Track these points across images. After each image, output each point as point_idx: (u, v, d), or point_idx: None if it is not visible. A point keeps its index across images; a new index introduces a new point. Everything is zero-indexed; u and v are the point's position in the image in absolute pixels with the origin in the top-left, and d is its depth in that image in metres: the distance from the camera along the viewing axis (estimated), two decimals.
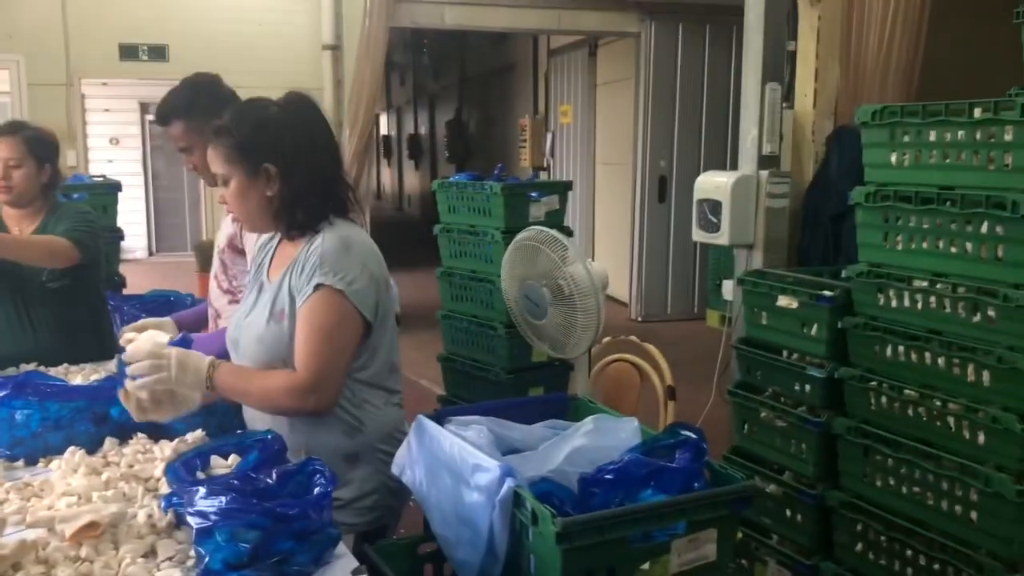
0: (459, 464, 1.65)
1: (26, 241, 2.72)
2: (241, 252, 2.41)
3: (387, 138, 21.29)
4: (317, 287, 1.84)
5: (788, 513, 2.93)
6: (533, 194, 4.13)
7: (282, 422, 1.89)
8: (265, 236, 2.08)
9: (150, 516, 1.58)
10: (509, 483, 1.54)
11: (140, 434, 2.00)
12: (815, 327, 2.81)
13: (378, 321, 1.93)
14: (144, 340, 1.84)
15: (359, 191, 6.83)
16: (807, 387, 2.84)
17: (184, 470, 1.66)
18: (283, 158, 1.88)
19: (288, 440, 1.79)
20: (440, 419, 1.85)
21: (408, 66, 17.90)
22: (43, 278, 2.78)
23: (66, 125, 7.59)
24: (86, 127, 9.05)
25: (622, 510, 1.51)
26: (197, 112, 2.35)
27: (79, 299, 2.85)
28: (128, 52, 7.96)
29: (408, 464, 1.82)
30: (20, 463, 1.94)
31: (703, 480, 1.62)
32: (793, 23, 4.66)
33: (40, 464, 1.93)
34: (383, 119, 20.74)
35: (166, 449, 1.90)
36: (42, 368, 2.45)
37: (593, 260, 3.41)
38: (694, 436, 1.66)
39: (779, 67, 4.17)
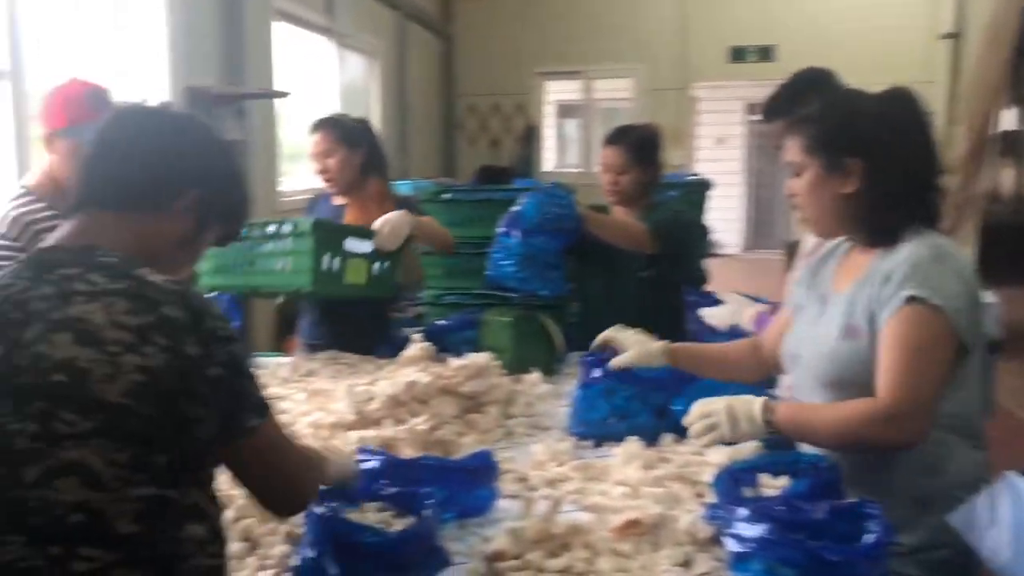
0: None
1: (606, 220, 2.92)
2: None
3: (1010, 134, 18.90)
4: (909, 300, 1.61)
5: None
6: None
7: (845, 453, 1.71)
8: (831, 243, 1.91)
9: (692, 524, 1.53)
10: None
11: None
12: None
13: (972, 347, 1.64)
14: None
15: (971, 193, 6.11)
16: None
17: (732, 483, 1.59)
18: (870, 154, 1.69)
19: (848, 473, 1.61)
20: None
21: None
22: (634, 267, 2.96)
23: (675, 126, 8.11)
24: (695, 128, 9.60)
25: None
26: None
27: (661, 289, 2.97)
28: (737, 54, 8.22)
29: (982, 523, 1.51)
30: (589, 443, 2.06)
31: None
32: None
33: (604, 447, 2.03)
34: (1008, 114, 18.44)
35: (721, 455, 1.85)
36: None
37: None
38: None
39: None
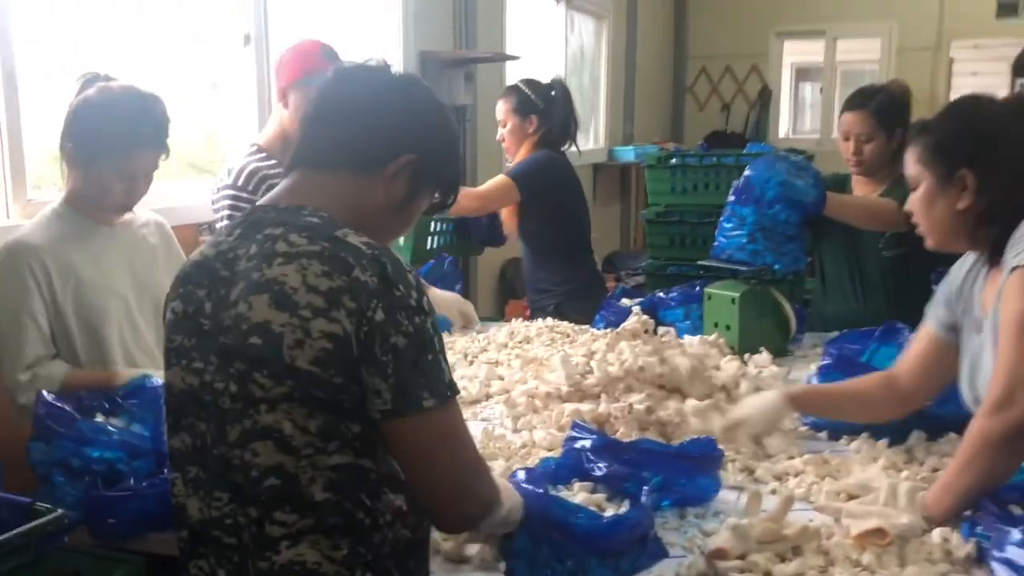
0: None
1: (850, 201, 2.66)
2: None
3: None
4: (1014, 269, 1.44)
5: None
6: None
7: None
8: (969, 259, 1.66)
9: (946, 540, 1.34)
10: None
11: (952, 434, 1.74)
12: None
13: None
14: None
15: None
16: None
17: (996, 499, 1.37)
18: (985, 166, 1.50)
19: None
20: None
21: None
22: (880, 246, 2.69)
23: (928, 89, 7.43)
24: (950, 92, 8.76)
25: None
26: None
27: (912, 269, 2.68)
28: (1006, 9, 7.38)
29: None
30: (823, 435, 1.88)
31: None
32: None
33: (842, 441, 1.84)
34: None
35: None
36: None
37: None
38: None
39: None
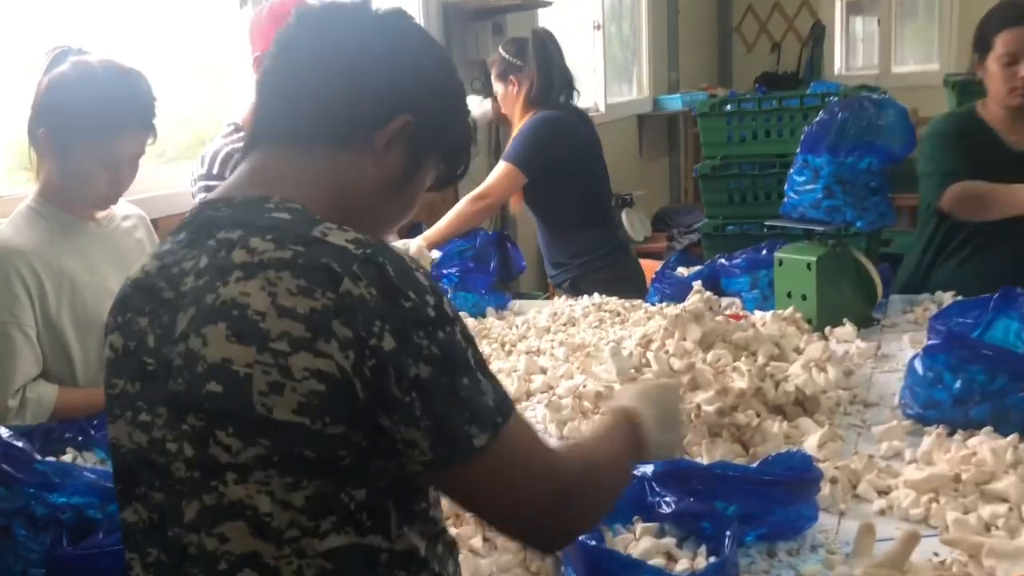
0: None
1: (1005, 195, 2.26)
2: None
3: None
4: None
5: None
6: None
7: None
8: None
9: None
10: None
11: None
12: None
13: None
14: None
15: None
16: None
17: None
18: None
19: None
20: None
21: None
22: None
23: None
24: None
25: None
26: None
27: None
28: None
29: None
30: (933, 429, 1.55)
31: None
32: None
33: (957, 437, 1.51)
34: None
35: None
36: None
37: None
38: None
39: None
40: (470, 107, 3.10)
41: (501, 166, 2.69)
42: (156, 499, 0.90)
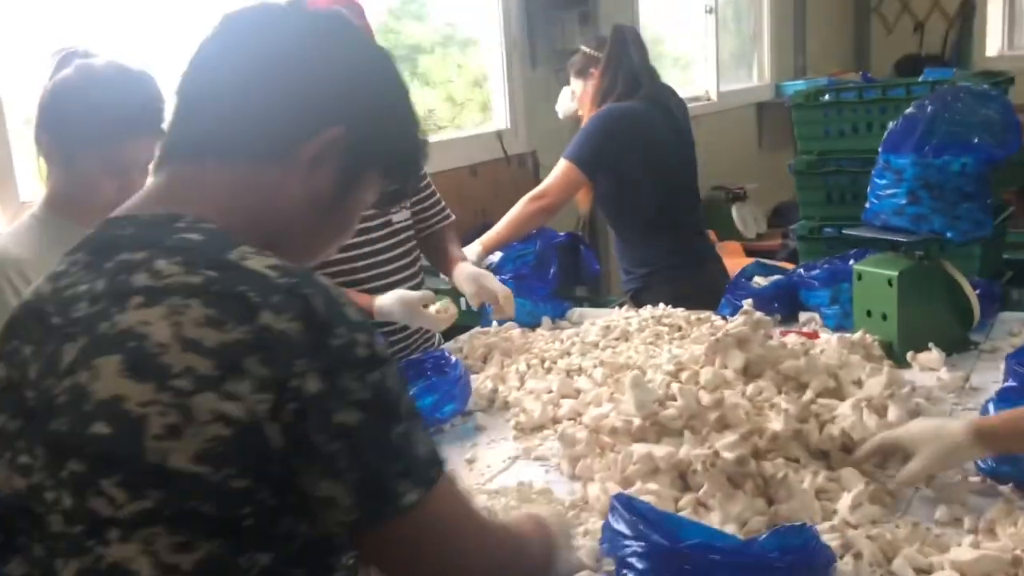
0: None
1: None
2: None
3: None
4: None
5: None
6: None
7: None
8: None
9: None
10: None
11: None
12: None
13: None
14: None
15: None
16: None
17: None
18: None
19: None
20: None
21: None
22: None
23: None
24: None
25: None
26: None
27: None
28: None
29: None
30: (1008, 488, 1.30)
31: None
32: None
33: None
34: None
35: None
36: None
37: None
38: None
39: None
40: (559, 102, 2.91)
41: (560, 164, 2.53)
42: (37, 553, 0.81)
